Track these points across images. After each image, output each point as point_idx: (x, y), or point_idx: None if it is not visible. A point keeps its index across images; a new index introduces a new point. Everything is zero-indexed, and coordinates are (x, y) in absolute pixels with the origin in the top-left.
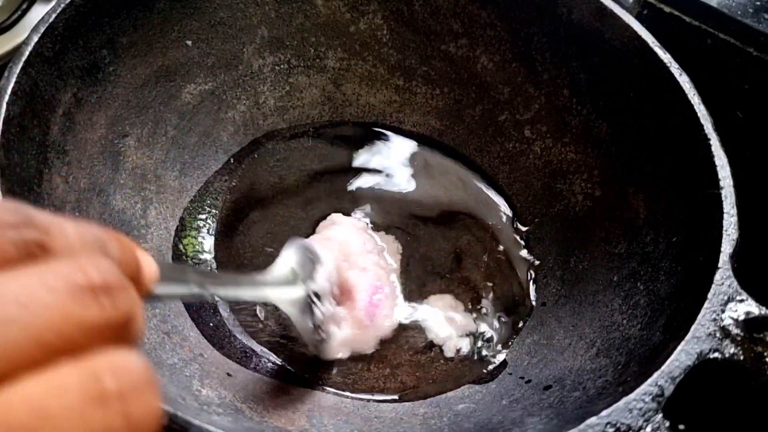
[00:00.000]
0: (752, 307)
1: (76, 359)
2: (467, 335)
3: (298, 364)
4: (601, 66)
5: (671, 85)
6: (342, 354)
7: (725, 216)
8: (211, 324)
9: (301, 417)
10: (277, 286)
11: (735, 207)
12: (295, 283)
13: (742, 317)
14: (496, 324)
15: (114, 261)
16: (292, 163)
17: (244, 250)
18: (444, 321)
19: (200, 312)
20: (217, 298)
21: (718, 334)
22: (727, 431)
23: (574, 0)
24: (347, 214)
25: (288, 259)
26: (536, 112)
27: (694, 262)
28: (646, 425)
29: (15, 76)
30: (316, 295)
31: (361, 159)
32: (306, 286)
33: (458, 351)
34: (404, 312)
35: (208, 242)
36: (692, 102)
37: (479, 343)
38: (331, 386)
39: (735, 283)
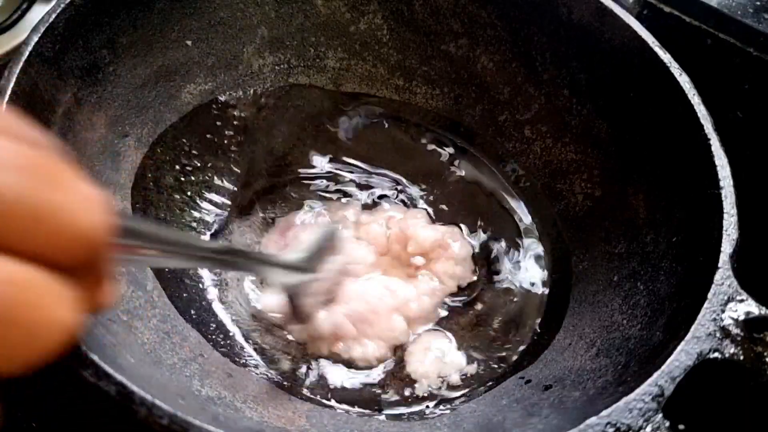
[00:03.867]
0: (752, 307)
1: None
2: (445, 377)
3: (298, 367)
4: (601, 66)
5: (671, 85)
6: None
7: (725, 216)
8: (211, 325)
9: (301, 417)
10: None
11: (735, 207)
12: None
13: (742, 317)
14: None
15: None
16: (292, 163)
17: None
18: (430, 358)
19: (200, 312)
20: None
21: (718, 334)
22: (727, 431)
23: (574, 0)
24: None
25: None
26: (536, 112)
27: (694, 262)
28: (646, 425)
29: (15, 76)
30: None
31: (360, 158)
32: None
33: (429, 393)
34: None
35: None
36: (692, 102)
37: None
38: (330, 394)
39: (735, 283)
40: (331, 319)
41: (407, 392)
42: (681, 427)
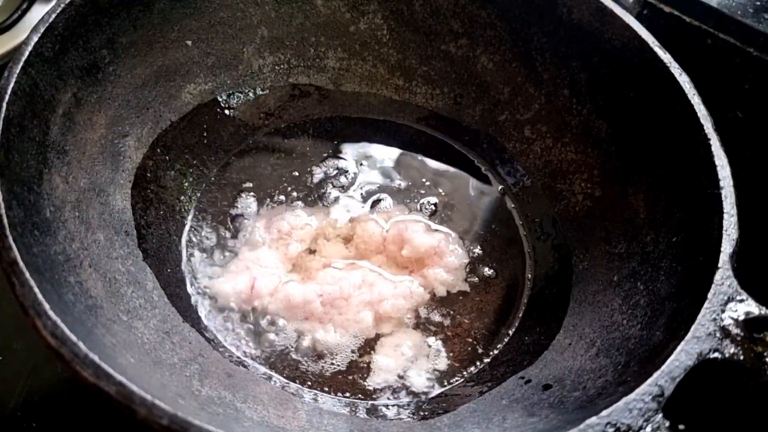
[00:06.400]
0: (752, 307)
1: None
2: (402, 376)
3: (297, 368)
4: (601, 66)
5: (671, 85)
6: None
7: (725, 216)
8: (211, 327)
9: (301, 417)
10: None
11: (735, 207)
12: None
13: (742, 317)
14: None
15: None
16: (291, 162)
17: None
18: (396, 355)
19: (199, 313)
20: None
21: (718, 334)
22: (727, 431)
23: (574, 0)
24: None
25: None
26: (536, 112)
27: (694, 262)
28: (646, 425)
29: (15, 76)
30: None
31: (360, 158)
32: None
33: (382, 387)
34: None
35: (209, 241)
36: (692, 102)
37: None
38: (330, 390)
39: (735, 283)
40: (303, 292)
41: (360, 380)
42: (681, 427)
